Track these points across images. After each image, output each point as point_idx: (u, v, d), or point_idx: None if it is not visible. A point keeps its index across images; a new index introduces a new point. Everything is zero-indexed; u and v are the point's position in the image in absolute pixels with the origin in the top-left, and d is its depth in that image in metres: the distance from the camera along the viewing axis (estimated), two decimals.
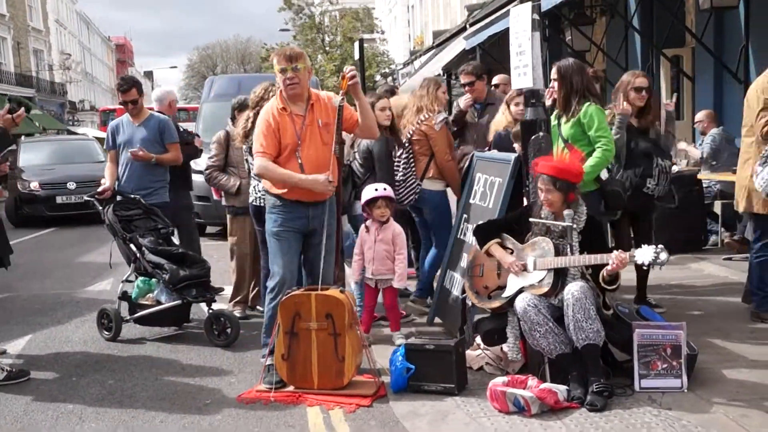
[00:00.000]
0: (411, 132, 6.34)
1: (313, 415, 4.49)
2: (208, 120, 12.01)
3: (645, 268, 4.25)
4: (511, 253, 4.65)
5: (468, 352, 4.95)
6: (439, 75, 22.38)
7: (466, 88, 7.17)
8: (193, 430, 4.39)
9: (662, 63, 12.57)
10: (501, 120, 6.44)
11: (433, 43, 24.14)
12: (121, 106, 7.03)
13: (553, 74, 5.47)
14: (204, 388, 5.07)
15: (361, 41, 16.19)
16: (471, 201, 5.97)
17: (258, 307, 6.77)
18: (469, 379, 4.72)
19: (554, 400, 4.16)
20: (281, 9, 37.21)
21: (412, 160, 6.32)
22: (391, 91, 8.42)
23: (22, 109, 6.05)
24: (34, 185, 15.34)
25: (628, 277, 5.90)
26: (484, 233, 4.84)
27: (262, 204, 5.66)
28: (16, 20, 40.36)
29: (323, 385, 4.70)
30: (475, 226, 5.02)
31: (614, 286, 4.43)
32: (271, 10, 75.00)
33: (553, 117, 5.52)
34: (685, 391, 4.34)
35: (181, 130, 7.51)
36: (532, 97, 5.20)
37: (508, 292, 4.57)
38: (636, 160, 5.77)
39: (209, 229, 12.04)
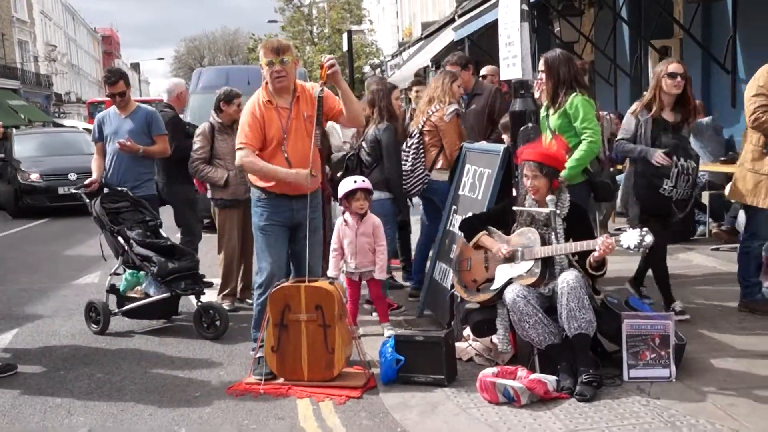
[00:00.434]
0: (422, 122, 6.34)
1: (303, 406, 4.48)
2: (196, 112, 11.93)
3: (632, 251, 4.26)
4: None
5: (457, 343, 4.95)
6: (427, 66, 22.41)
7: None
8: (182, 422, 4.38)
9: (650, 54, 12.59)
10: None
11: (422, 34, 24.11)
12: (109, 98, 6.98)
13: (541, 66, 5.46)
14: (193, 381, 5.05)
15: (350, 33, 16.19)
16: (460, 192, 5.97)
17: (247, 299, 6.75)
18: (458, 370, 4.72)
19: (544, 390, 4.17)
20: None
21: (422, 150, 6.32)
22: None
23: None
24: (35, 176, 15.36)
25: (616, 268, 5.94)
26: (470, 227, 4.84)
27: None
28: (0, 11, 40.01)
29: (313, 377, 4.69)
30: (461, 220, 5.02)
31: (601, 272, 4.47)
32: (258, 1, 74.73)
33: (543, 108, 5.52)
34: (674, 380, 4.37)
35: (186, 123, 7.49)
36: (521, 87, 5.20)
37: (497, 284, 4.57)
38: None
39: None
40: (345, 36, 15.67)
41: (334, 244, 5.67)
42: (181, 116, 7.67)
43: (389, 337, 4.89)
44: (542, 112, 5.49)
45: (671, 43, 12.36)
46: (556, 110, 5.37)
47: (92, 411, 4.59)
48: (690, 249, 8.00)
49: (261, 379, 4.78)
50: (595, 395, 4.18)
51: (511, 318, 4.45)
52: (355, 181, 5.54)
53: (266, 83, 4.88)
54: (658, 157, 5.28)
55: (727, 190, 6.13)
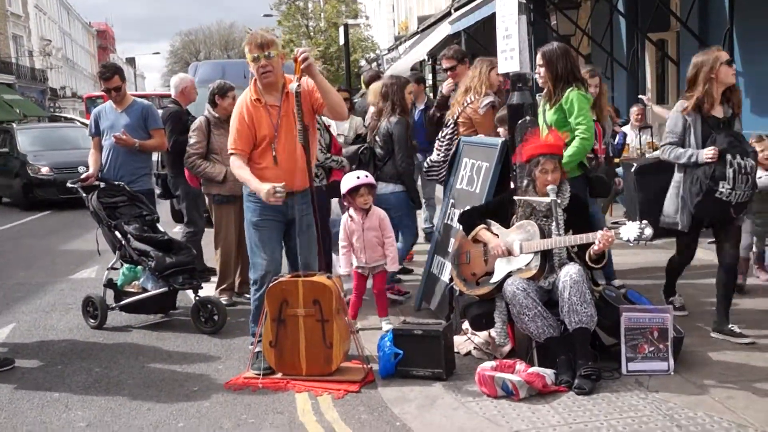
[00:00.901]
0: (457, 113, 6.24)
1: (301, 401, 4.48)
2: (192, 106, 11.92)
3: (631, 244, 4.25)
4: (497, 237, 4.65)
5: (456, 337, 4.95)
6: (423, 60, 22.37)
7: (449, 72, 7.13)
8: (180, 417, 4.37)
9: (647, 47, 12.58)
10: None
11: (418, 28, 24.06)
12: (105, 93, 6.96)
13: (539, 60, 5.42)
14: (191, 375, 5.05)
15: (346, 26, 16.14)
16: (458, 186, 5.95)
17: (245, 294, 6.74)
18: (457, 364, 4.73)
19: (542, 383, 4.18)
20: None
21: (456, 141, 6.21)
22: (376, 76, 8.40)
23: None
24: (45, 170, 15.41)
25: (617, 261, 5.94)
26: (468, 220, 4.83)
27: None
28: None
29: (311, 372, 4.69)
30: (459, 213, 5.01)
31: (601, 265, 4.48)
32: None
33: (541, 102, 5.49)
34: (672, 373, 4.38)
35: (188, 118, 7.45)
36: (518, 80, 5.18)
37: (496, 278, 4.57)
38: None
39: None
40: (341, 30, 15.64)
41: (342, 242, 5.65)
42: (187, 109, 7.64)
43: (387, 331, 4.89)
44: (541, 105, 5.47)
45: (668, 36, 12.35)
46: (552, 105, 5.33)
47: (90, 405, 4.59)
48: None
49: (259, 374, 4.77)
50: (594, 388, 4.19)
51: (511, 311, 4.45)
52: (358, 177, 5.52)
53: (254, 80, 4.82)
54: (707, 154, 4.82)
55: None
